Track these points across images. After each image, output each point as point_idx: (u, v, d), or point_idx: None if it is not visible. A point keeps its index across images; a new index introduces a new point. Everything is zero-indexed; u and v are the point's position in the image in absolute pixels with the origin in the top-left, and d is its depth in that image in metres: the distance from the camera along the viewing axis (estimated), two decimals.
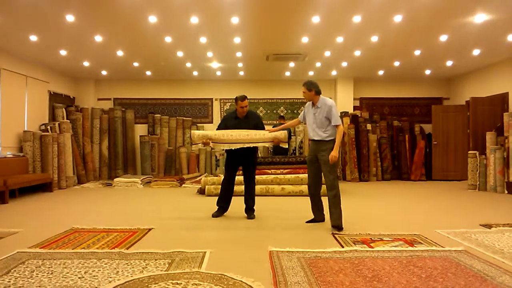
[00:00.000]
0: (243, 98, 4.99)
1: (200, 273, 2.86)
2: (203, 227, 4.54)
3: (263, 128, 5.10)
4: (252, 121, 5.07)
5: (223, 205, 5.17)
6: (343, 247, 3.59)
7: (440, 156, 9.85)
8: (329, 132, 4.42)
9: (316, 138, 4.49)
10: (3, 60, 7.53)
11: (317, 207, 4.70)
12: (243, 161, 5.10)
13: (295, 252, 3.39)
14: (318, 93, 4.50)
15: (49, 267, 3.02)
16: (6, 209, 5.95)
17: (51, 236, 4.07)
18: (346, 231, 4.21)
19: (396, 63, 8.81)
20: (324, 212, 4.70)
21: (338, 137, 4.38)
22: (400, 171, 10.13)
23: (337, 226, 4.26)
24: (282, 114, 10.42)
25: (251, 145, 4.87)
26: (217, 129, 5.16)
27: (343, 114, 9.93)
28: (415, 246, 3.61)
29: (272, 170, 7.51)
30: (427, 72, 9.80)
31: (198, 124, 10.68)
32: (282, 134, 4.91)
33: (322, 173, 4.51)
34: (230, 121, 5.11)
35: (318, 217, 4.71)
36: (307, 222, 4.69)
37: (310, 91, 4.48)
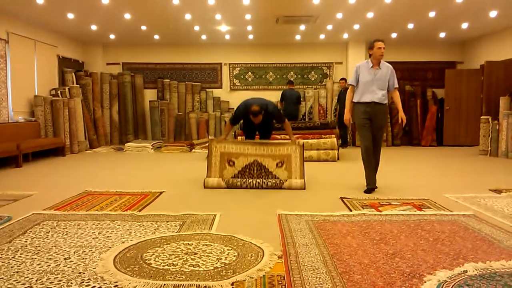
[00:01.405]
0: (256, 113, 4.69)
1: (210, 235, 2.92)
2: (213, 191, 4.60)
3: (281, 119, 5.00)
4: (269, 120, 4.96)
5: None
6: (351, 211, 3.62)
7: (451, 121, 9.72)
8: (386, 95, 4.42)
9: (376, 101, 4.35)
10: (11, 24, 7.47)
11: (374, 173, 4.50)
12: (260, 130, 5.17)
13: (303, 215, 3.44)
14: None
15: (64, 228, 3.11)
16: (20, 172, 6.08)
17: (65, 198, 4.17)
18: (355, 196, 4.24)
19: (410, 26, 8.53)
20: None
21: (399, 99, 4.54)
22: (410, 137, 10.05)
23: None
24: (291, 79, 10.27)
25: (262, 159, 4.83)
26: (233, 120, 5.02)
27: None
28: (424, 210, 3.63)
29: (282, 136, 7.49)
30: (442, 35, 9.49)
31: (208, 89, 10.61)
32: (297, 150, 4.77)
33: (374, 138, 4.45)
34: (247, 118, 4.92)
35: (374, 184, 4.50)
36: (365, 191, 4.42)
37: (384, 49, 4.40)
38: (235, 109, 5.15)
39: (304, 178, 4.67)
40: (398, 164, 6.84)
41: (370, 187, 4.46)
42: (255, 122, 4.86)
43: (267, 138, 5.21)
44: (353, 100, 4.52)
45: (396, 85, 4.46)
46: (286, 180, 4.65)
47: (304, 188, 4.57)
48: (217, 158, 4.84)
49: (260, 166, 4.77)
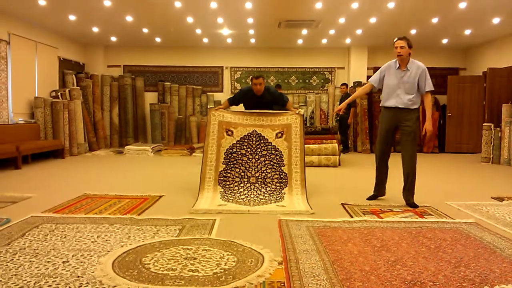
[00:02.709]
0: (258, 76, 4.71)
1: (210, 240, 2.90)
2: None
3: (282, 102, 4.87)
4: (269, 98, 4.86)
5: None
6: (352, 217, 3.59)
7: (454, 128, 9.69)
8: (415, 99, 3.98)
9: (400, 106, 3.98)
10: (13, 25, 7.47)
11: (382, 182, 4.33)
12: None
13: (304, 221, 3.41)
14: (410, 54, 3.99)
15: (62, 231, 3.08)
16: (19, 174, 6.06)
17: (63, 201, 4.15)
18: (356, 202, 4.21)
19: (413, 31, 8.54)
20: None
21: (430, 105, 4.04)
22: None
23: (413, 203, 4.05)
24: (278, 83, 10.11)
25: (262, 129, 4.61)
26: (231, 99, 4.95)
27: (356, 84, 9.76)
28: (425, 218, 3.60)
29: None
30: (444, 41, 9.51)
31: (208, 93, 10.60)
32: (297, 120, 4.58)
33: (403, 145, 4.11)
34: (248, 98, 4.88)
35: (381, 192, 4.35)
36: (368, 199, 4.32)
37: (410, 47, 3.95)
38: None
39: (307, 199, 4.19)
40: (399, 171, 6.79)
41: (374, 194, 4.36)
42: (257, 90, 4.70)
43: None
44: (380, 104, 4.29)
45: (429, 88, 3.96)
46: (286, 186, 4.36)
47: (311, 210, 3.84)
48: (215, 126, 4.59)
49: (259, 136, 4.51)
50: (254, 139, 4.52)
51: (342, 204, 4.10)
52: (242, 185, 4.34)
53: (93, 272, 2.30)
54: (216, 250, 2.66)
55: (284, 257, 2.55)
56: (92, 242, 2.84)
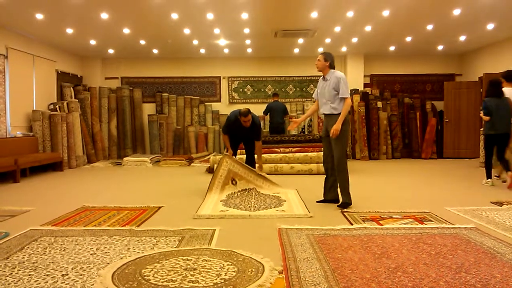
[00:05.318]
0: (246, 114, 5.21)
1: (210, 250, 2.89)
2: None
3: (258, 133, 5.46)
4: (253, 130, 5.42)
5: None
6: (352, 224, 3.58)
7: (451, 133, 9.72)
8: (337, 105, 4.29)
9: (326, 112, 4.37)
10: (10, 39, 7.51)
11: (328, 186, 4.53)
12: (244, 140, 5.65)
13: (304, 230, 3.40)
14: (332, 66, 4.43)
15: (61, 244, 3.07)
16: (17, 188, 6.04)
17: (62, 214, 4.13)
18: (356, 209, 4.20)
19: (408, 39, 8.61)
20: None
21: (344, 109, 4.24)
22: (410, 149, 10.04)
23: (343, 204, 4.27)
24: (276, 92, 10.11)
25: (261, 189, 5.29)
26: (225, 130, 5.59)
27: (353, 92, 9.80)
28: (425, 224, 3.59)
29: (281, 149, 7.48)
30: (440, 47, 9.58)
31: (206, 103, 10.63)
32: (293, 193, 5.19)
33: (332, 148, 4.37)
34: (235, 125, 5.41)
35: (327, 196, 4.53)
36: (317, 202, 4.56)
37: (326, 61, 4.40)
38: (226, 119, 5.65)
39: (306, 207, 4.34)
40: (398, 177, 6.81)
41: (323, 200, 4.56)
42: (245, 125, 5.27)
43: (250, 149, 5.65)
44: None
45: (342, 95, 4.24)
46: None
47: (309, 214, 4.03)
48: (224, 172, 5.21)
49: (258, 193, 5.09)
50: (254, 193, 5.08)
51: (342, 212, 4.09)
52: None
53: (93, 284, 2.28)
54: (216, 260, 2.65)
55: (285, 266, 2.54)
56: (91, 254, 2.82)
